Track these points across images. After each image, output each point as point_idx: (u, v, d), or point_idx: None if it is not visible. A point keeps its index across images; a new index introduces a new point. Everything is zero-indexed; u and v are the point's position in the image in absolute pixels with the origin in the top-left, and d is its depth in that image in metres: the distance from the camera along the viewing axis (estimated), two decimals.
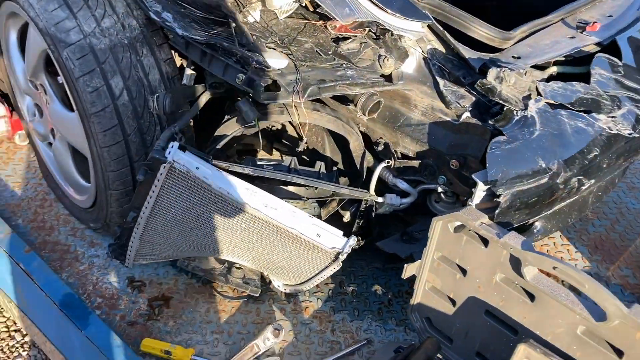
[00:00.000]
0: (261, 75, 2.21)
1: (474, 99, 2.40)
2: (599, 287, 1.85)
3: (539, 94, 2.33)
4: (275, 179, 2.37)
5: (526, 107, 2.25)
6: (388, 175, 2.66)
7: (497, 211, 2.14)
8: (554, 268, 1.94)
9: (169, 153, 2.19)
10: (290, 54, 2.35)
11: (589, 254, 3.26)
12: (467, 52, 2.43)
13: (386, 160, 2.56)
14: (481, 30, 2.41)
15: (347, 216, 2.87)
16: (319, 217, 2.56)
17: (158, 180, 2.22)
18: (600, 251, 3.28)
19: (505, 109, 2.25)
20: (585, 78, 2.73)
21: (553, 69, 2.59)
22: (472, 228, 2.12)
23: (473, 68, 2.39)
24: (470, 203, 2.23)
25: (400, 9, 2.30)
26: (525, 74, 2.22)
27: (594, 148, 2.30)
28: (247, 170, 2.31)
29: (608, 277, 3.11)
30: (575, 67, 2.68)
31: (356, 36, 2.41)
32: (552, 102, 2.32)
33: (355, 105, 2.49)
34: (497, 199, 2.13)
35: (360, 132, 2.69)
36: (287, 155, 3.20)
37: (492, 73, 2.19)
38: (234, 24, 2.36)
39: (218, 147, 2.51)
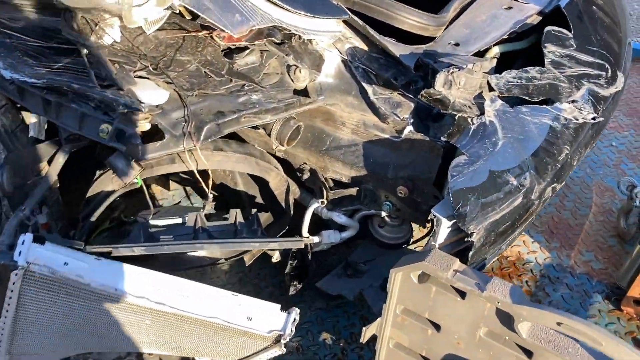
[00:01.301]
0: (133, 122, 1.60)
1: (412, 105, 1.91)
2: (619, 345, 1.45)
3: (491, 89, 1.87)
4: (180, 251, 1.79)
5: (482, 112, 1.79)
6: (321, 210, 2.14)
7: (470, 253, 1.69)
8: (559, 324, 1.52)
9: (20, 253, 1.54)
10: (170, 82, 1.74)
11: (547, 242, 2.94)
12: (395, 48, 1.92)
13: (320, 200, 2.03)
14: (410, 19, 1.91)
15: (276, 256, 2.34)
16: None
17: (12, 291, 1.58)
18: (556, 236, 2.97)
19: (457, 116, 1.77)
20: (528, 53, 2.33)
21: (495, 51, 2.14)
22: (444, 280, 1.66)
23: (407, 67, 1.89)
24: (432, 242, 1.76)
25: (307, 6, 1.74)
26: (473, 68, 1.76)
27: (564, 146, 1.89)
28: (138, 251, 1.71)
29: (572, 267, 2.80)
30: (516, 42, 2.25)
31: (254, 45, 1.82)
32: (506, 95, 1.87)
33: (269, 135, 1.93)
34: (468, 238, 1.67)
35: (279, 158, 2.14)
36: (188, 184, 2.61)
37: (439, 79, 1.70)
38: (85, 50, 1.71)
39: (93, 218, 1.88)
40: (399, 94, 1.97)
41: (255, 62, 1.84)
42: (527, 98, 1.91)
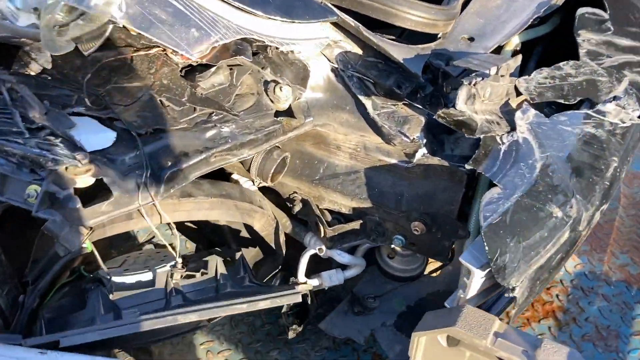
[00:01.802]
0: (69, 181, 1.23)
1: (422, 119, 1.54)
2: None
3: (518, 93, 1.50)
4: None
5: (513, 127, 1.43)
6: (320, 248, 1.78)
7: (513, 312, 1.34)
8: None
9: None
10: (116, 119, 1.36)
11: None
12: (397, 50, 1.54)
13: (318, 248, 1.68)
14: (414, 15, 1.53)
15: None
16: None
17: None
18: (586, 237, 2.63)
19: (483, 137, 1.41)
20: (551, 38, 1.96)
21: (514, 42, 1.77)
22: (482, 349, 1.32)
23: (414, 75, 1.51)
24: (462, 295, 1.42)
25: (283, 9, 1.36)
26: (499, 73, 1.39)
27: (612, 159, 1.53)
28: (92, 338, 1.35)
29: (606, 274, 2.47)
30: (538, 27, 1.88)
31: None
32: (538, 102, 1.50)
33: (249, 170, 1.56)
34: (509, 294, 1.32)
35: (264, 188, 1.78)
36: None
37: (462, 96, 1.32)
38: (5, 85, 1.33)
39: (43, 284, 1.52)
40: (404, 104, 1.60)
41: (224, 83, 1.46)
42: (563, 101, 1.55)
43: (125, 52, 1.46)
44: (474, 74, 1.37)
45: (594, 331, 2.27)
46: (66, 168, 1.24)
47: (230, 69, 1.48)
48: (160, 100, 1.41)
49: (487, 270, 1.35)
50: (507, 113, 1.49)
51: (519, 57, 1.57)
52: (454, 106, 1.32)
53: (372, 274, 2.08)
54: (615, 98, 1.65)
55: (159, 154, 1.35)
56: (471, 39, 1.63)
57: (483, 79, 1.34)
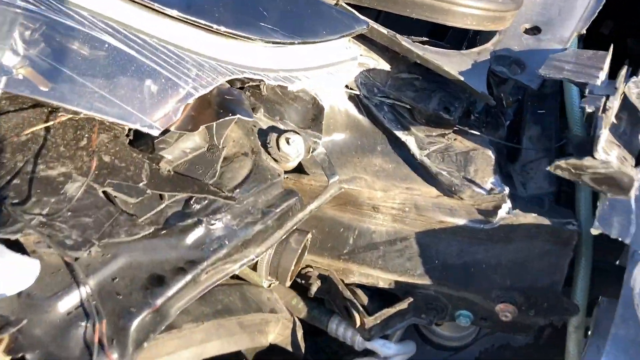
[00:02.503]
0: None
1: (492, 154, 1.07)
2: None
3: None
4: None
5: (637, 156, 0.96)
6: (353, 337, 1.29)
7: None
8: None
9: None
10: (38, 235, 0.82)
11: None
12: (447, 61, 1.05)
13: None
14: (475, 7, 1.02)
15: None
16: None
17: None
18: None
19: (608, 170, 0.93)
20: None
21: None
22: None
23: (467, 89, 1.03)
24: None
25: (291, 26, 0.83)
26: (617, 84, 0.92)
27: None
28: None
29: None
30: None
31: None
32: None
33: (254, 269, 1.05)
34: None
35: None
36: None
37: (603, 136, 0.83)
38: None
39: None
40: (456, 132, 1.12)
41: (201, 146, 0.93)
42: None
43: (39, 118, 0.91)
44: (589, 93, 0.89)
45: None
46: None
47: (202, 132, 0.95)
48: (104, 192, 0.87)
49: None
50: (617, 135, 1.02)
51: (610, 48, 1.10)
52: (591, 153, 0.82)
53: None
54: None
55: (114, 287, 0.82)
56: (536, 30, 1.15)
57: (608, 98, 0.86)
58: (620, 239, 0.91)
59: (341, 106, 1.10)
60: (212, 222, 0.88)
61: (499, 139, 1.16)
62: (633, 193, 0.95)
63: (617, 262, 1.06)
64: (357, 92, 1.08)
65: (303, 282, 1.31)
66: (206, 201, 0.90)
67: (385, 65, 1.09)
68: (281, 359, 1.29)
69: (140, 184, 0.89)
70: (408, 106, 1.11)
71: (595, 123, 0.84)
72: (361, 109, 1.10)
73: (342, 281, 1.26)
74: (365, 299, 1.28)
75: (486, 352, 1.68)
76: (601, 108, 0.83)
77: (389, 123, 1.10)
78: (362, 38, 1.04)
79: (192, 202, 0.90)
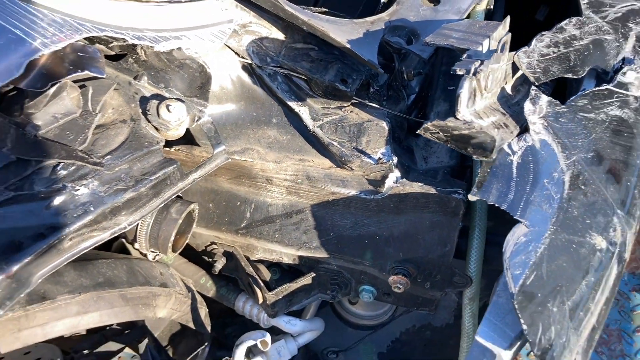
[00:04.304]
0: None
1: (385, 125, 1.06)
2: None
3: (515, 69, 1.04)
4: None
5: (524, 128, 0.97)
6: (259, 315, 1.28)
7: None
8: None
9: None
10: None
11: None
12: (337, 30, 1.03)
13: (260, 340, 1.17)
14: None
15: None
16: None
17: None
18: None
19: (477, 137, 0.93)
20: None
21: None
22: None
23: (365, 62, 1.02)
24: None
25: None
26: (501, 56, 0.92)
27: None
28: None
29: None
30: None
31: (59, 82, 0.86)
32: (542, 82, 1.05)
33: (132, 243, 1.02)
34: None
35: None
36: None
37: (464, 95, 0.83)
38: None
39: None
40: (354, 105, 1.11)
41: (72, 111, 0.90)
42: (571, 76, 1.10)
43: None
44: (465, 56, 0.88)
45: None
46: None
47: (82, 87, 0.92)
48: None
49: (517, 346, 0.90)
50: (508, 104, 1.02)
51: (507, 20, 1.09)
52: (454, 114, 0.82)
53: (331, 324, 1.61)
54: (624, 61, 1.23)
55: None
56: (435, 1, 1.15)
57: (482, 62, 0.86)
58: (497, 205, 0.91)
59: (235, 76, 1.07)
60: (77, 187, 0.85)
61: (399, 112, 1.16)
62: (514, 157, 0.95)
63: None
64: (249, 61, 1.06)
65: (208, 259, 1.29)
66: (74, 167, 0.87)
67: (278, 34, 1.07)
68: (183, 337, 1.27)
69: (4, 149, 0.85)
70: (304, 77, 1.09)
71: (460, 84, 0.83)
72: (254, 79, 1.08)
73: (247, 258, 1.25)
74: (268, 275, 1.26)
75: (407, 332, 1.69)
76: (472, 71, 0.82)
77: (283, 93, 1.08)
78: (251, 4, 1.02)
79: (59, 168, 0.87)
